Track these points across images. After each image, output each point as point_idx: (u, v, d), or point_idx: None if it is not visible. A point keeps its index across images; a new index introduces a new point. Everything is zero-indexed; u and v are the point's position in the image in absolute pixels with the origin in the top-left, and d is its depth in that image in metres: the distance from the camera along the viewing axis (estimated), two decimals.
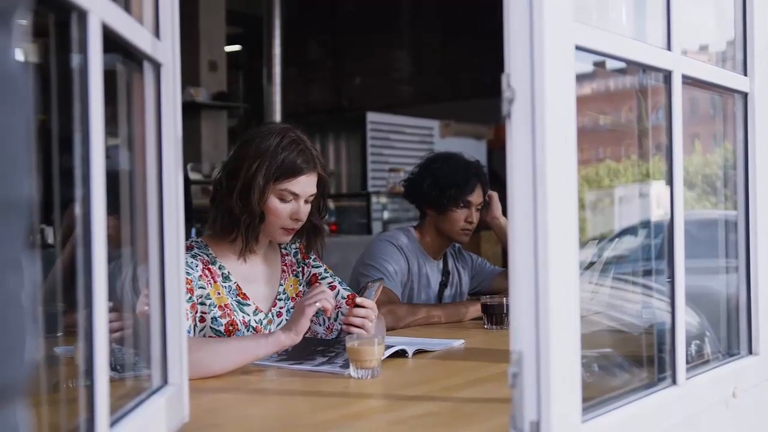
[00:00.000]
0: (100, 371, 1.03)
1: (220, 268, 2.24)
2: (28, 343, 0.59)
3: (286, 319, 2.32)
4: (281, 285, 2.37)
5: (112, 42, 1.12)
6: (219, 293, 2.20)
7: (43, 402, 1.21)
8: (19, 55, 0.59)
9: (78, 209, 1.02)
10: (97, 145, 1.03)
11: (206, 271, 2.19)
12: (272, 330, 2.27)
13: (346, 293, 2.40)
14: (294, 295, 2.39)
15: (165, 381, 1.39)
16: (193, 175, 6.81)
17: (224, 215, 2.22)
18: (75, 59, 1.03)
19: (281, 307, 2.35)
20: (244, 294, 2.26)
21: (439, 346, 2.30)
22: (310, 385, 1.83)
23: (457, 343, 2.37)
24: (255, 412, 1.66)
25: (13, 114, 0.57)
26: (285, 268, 2.40)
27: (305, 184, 2.22)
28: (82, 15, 1.00)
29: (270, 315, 2.31)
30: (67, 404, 1.29)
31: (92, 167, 1.02)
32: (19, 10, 0.58)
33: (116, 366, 1.38)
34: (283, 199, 2.21)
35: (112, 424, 1.10)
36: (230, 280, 2.24)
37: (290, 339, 1.99)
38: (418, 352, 2.20)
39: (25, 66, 0.60)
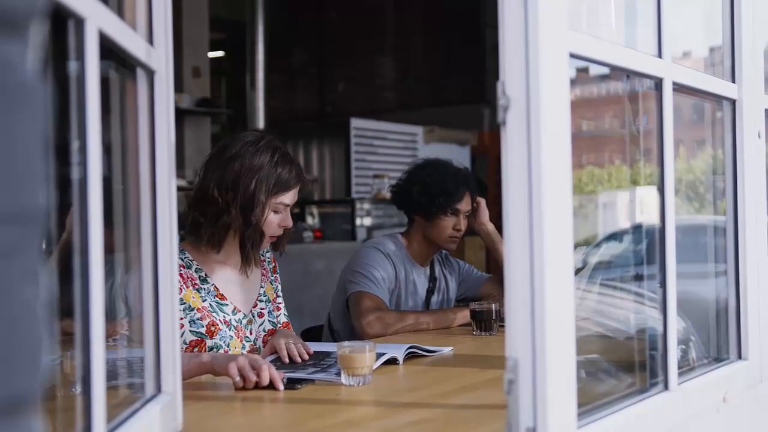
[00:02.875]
0: (97, 380, 1.02)
1: (196, 271, 2.29)
2: (43, 353, 0.59)
3: (268, 320, 2.41)
4: (262, 287, 2.44)
5: (106, 49, 1.12)
6: (194, 297, 2.24)
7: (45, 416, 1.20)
8: (33, 66, 0.59)
9: (75, 217, 1.02)
10: (94, 152, 1.02)
11: (178, 277, 2.21)
12: (254, 330, 2.35)
13: (283, 320, 2.49)
14: (272, 298, 2.46)
15: (159, 389, 1.38)
16: (177, 182, 6.77)
17: (223, 229, 2.26)
18: (71, 66, 1.02)
19: (262, 308, 2.42)
20: (222, 295, 2.31)
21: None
22: (302, 393, 1.82)
23: (447, 350, 2.37)
24: (248, 421, 1.66)
25: (29, 123, 0.57)
26: (264, 272, 2.47)
27: (294, 195, 2.33)
28: (80, 22, 1.00)
29: (250, 315, 2.37)
30: (60, 413, 1.28)
31: (89, 174, 1.01)
32: (34, 20, 0.58)
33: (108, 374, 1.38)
34: (276, 211, 2.30)
35: None
36: (208, 283, 2.29)
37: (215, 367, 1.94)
38: (410, 357, 2.20)
39: (40, 75, 0.59)
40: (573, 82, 1.53)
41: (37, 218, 0.58)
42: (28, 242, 0.57)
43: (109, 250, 1.34)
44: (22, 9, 0.56)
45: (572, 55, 1.26)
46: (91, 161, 1.02)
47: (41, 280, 0.59)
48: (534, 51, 1.17)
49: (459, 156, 7.66)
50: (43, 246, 1.34)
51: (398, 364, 2.13)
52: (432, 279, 3.18)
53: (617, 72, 1.64)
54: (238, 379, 1.84)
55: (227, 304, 2.30)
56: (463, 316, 2.85)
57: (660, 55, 1.54)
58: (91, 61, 1.02)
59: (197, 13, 7.62)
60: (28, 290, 0.57)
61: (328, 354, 2.21)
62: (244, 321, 2.34)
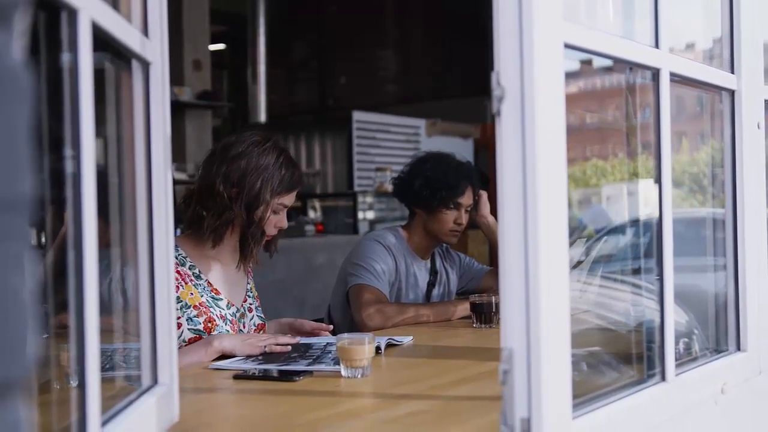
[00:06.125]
0: (91, 372, 1.02)
1: (190, 268, 2.32)
2: (30, 340, 0.59)
3: (257, 315, 2.47)
4: (248, 284, 2.49)
5: (101, 40, 1.12)
6: (192, 293, 2.28)
7: (32, 402, 1.20)
8: (19, 54, 0.59)
9: (68, 210, 1.02)
10: (88, 145, 1.02)
11: (175, 274, 2.22)
12: (246, 324, 2.41)
13: (258, 321, 2.50)
14: (256, 296, 2.52)
15: (155, 381, 1.38)
16: (177, 175, 6.79)
17: (225, 225, 2.30)
18: (65, 58, 1.02)
19: (250, 304, 2.47)
20: (216, 289, 2.34)
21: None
22: (300, 385, 1.83)
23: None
24: (245, 412, 1.66)
25: (15, 112, 0.57)
26: (250, 270, 2.52)
27: (293, 197, 2.39)
28: (72, 13, 1.00)
29: (242, 309, 2.41)
30: (56, 405, 1.29)
31: (83, 167, 1.01)
32: (19, 8, 0.58)
33: (105, 366, 1.38)
34: (275, 212, 2.34)
35: (103, 423, 1.10)
36: (201, 279, 2.33)
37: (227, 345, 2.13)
38: (408, 350, 2.22)
39: (25, 64, 0.60)
40: (576, 74, 1.53)
41: (23, 205, 0.59)
42: (13, 229, 0.58)
43: (106, 243, 1.35)
44: None
45: (567, 46, 1.25)
46: (84, 154, 1.02)
47: (28, 266, 0.60)
48: (528, 41, 1.16)
49: (462, 149, 7.66)
50: (43, 239, 1.34)
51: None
52: (433, 272, 3.18)
53: (620, 63, 1.63)
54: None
55: (222, 299, 2.34)
56: (463, 308, 2.85)
57: (657, 46, 1.54)
58: (85, 52, 1.02)
59: (198, 5, 7.62)
60: (13, 276, 0.57)
61: (310, 346, 2.23)
62: (237, 315, 2.38)
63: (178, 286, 2.23)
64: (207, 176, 2.31)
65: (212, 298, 2.31)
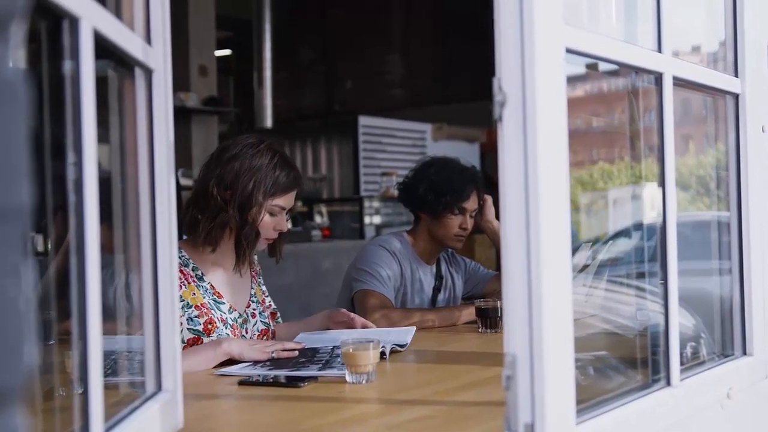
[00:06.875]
0: (94, 378, 1.03)
1: (193, 270, 2.32)
2: (27, 348, 0.59)
3: (261, 321, 2.46)
4: (252, 289, 2.48)
5: (103, 48, 1.12)
6: (194, 294, 2.29)
7: (37, 409, 1.21)
8: (16, 62, 0.59)
9: (70, 216, 1.02)
10: (90, 152, 1.03)
11: (178, 274, 2.24)
12: (249, 330, 2.40)
13: (261, 327, 2.48)
14: (261, 300, 2.51)
15: (159, 387, 1.38)
16: (184, 181, 6.79)
17: (219, 227, 2.29)
18: (66, 65, 1.02)
19: (254, 309, 2.47)
20: (219, 293, 2.35)
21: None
22: (305, 391, 1.82)
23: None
24: (250, 418, 1.66)
25: (12, 120, 0.57)
26: (254, 274, 2.52)
27: (290, 199, 2.37)
28: (74, 21, 1.00)
29: (245, 315, 2.41)
30: (60, 411, 1.29)
31: (85, 174, 1.02)
32: (16, 17, 0.59)
33: (108, 371, 1.38)
34: (272, 214, 2.33)
35: (107, 430, 1.10)
36: (204, 281, 2.33)
37: (235, 349, 2.11)
38: (404, 352, 2.24)
39: (22, 73, 0.60)
40: (583, 78, 1.53)
41: (20, 214, 0.59)
42: (10, 238, 0.58)
43: (110, 250, 1.35)
44: (3, 8, 0.57)
45: (569, 50, 1.25)
46: (86, 161, 1.02)
47: (25, 275, 0.60)
48: (529, 46, 1.17)
49: (468, 153, 7.66)
50: (49, 246, 1.35)
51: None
52: (438, 277, 3.18)
53: (623, 67, 1.63)
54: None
55: (224, 303, 2.35)
56: (469, 313, 2.85)
57: (660, 50, 1.53)
58: (86, 60, 1.03)
59: (204, 11, 7.61)
60: (10, 285, 0.57)
61: (317, 350, 2.23)
62: (240, 320, 2.38)
63: (180, 285, 2.23)
64: (203, 180, 2.32)
65: (214, 300, 2.31)
